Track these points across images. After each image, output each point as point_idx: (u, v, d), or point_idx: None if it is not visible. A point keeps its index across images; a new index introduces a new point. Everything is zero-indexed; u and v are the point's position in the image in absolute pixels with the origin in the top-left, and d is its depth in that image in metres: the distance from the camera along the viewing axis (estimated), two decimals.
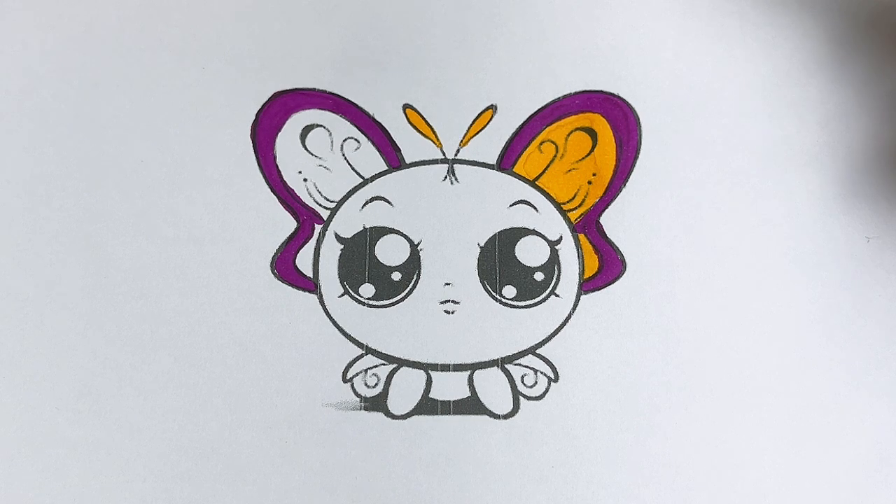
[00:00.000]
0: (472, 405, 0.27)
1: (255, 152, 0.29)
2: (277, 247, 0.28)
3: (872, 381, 0.27)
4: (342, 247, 0.28)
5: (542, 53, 0.30)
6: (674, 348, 0.27)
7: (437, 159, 0.29)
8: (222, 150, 0.29)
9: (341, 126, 0.30)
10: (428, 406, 0.27)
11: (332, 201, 0.29)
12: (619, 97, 0.30)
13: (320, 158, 0.29)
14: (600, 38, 0.31)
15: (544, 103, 0.30)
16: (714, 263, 0.28)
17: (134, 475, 0.25)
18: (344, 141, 0.30)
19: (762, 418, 0.26)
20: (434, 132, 0.30)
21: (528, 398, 0.27)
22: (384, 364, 0.27)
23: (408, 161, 0.29)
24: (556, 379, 0.27)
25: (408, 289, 0.28)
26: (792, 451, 0.26)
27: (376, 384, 0.27)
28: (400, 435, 0.26)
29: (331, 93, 0.30)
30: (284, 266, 0.28)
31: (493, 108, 0.30)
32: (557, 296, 0.28)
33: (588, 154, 0.30)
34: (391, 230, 0.29)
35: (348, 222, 0.29)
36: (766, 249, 0.28)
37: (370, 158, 0.29)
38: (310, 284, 0.28)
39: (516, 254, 0.28)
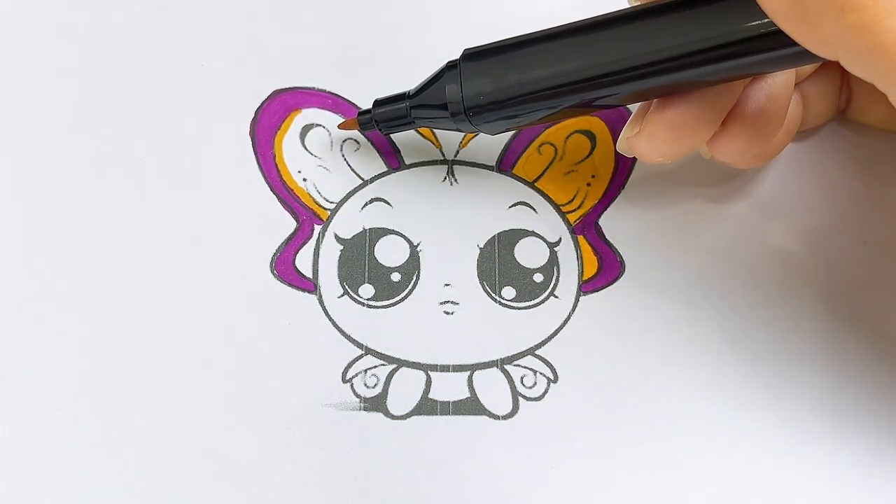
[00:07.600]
0: (471, 406, 0.27)
1: (255, 151, 0.29)
2: (277, 247, 0.28)
3: (871, 383, 0.27)
4: (342, 248, 0.28)
5: None
6: (673, 349, 0.27)
7: (437, 160, 0.30)
8: (221, 148, 0.29)
9: None
10: (427, 406, 0.27)
11: (331, 202, 0.29)
12: None
13: (319, 158, 0.29)
14: None
15: None
16: (712, 265, 0.28)
17: (133, 475, 0.25)
18: (343, 142, 0.30)
19: (761, 419, 0.26)
20: (433, 133, 0.30)
21: (528, 399, 0.27)
22: (384, 364, 0.27)
23: (407, 162, 0.29)
24: (556, 380, 0.27)
25: (407, 289, 0.28)
26: (791, 451, 0.26)
27: (376, 385, 0.27)
28: (400, 435, 0.26)
29: (330, 92, 0.30)
30: (284, 266, 0.28)
31: None
32: (557, 297, 0.28)
33: (587, 156, 0.30)
34: (391, 231, 0.29)
35: (348, 223, 0.29)
36: (764, 252, 0.28)
37: (369, 159, 0.29)
38: (309, 285, 0.28)
39: (515, 255, 0.29)
